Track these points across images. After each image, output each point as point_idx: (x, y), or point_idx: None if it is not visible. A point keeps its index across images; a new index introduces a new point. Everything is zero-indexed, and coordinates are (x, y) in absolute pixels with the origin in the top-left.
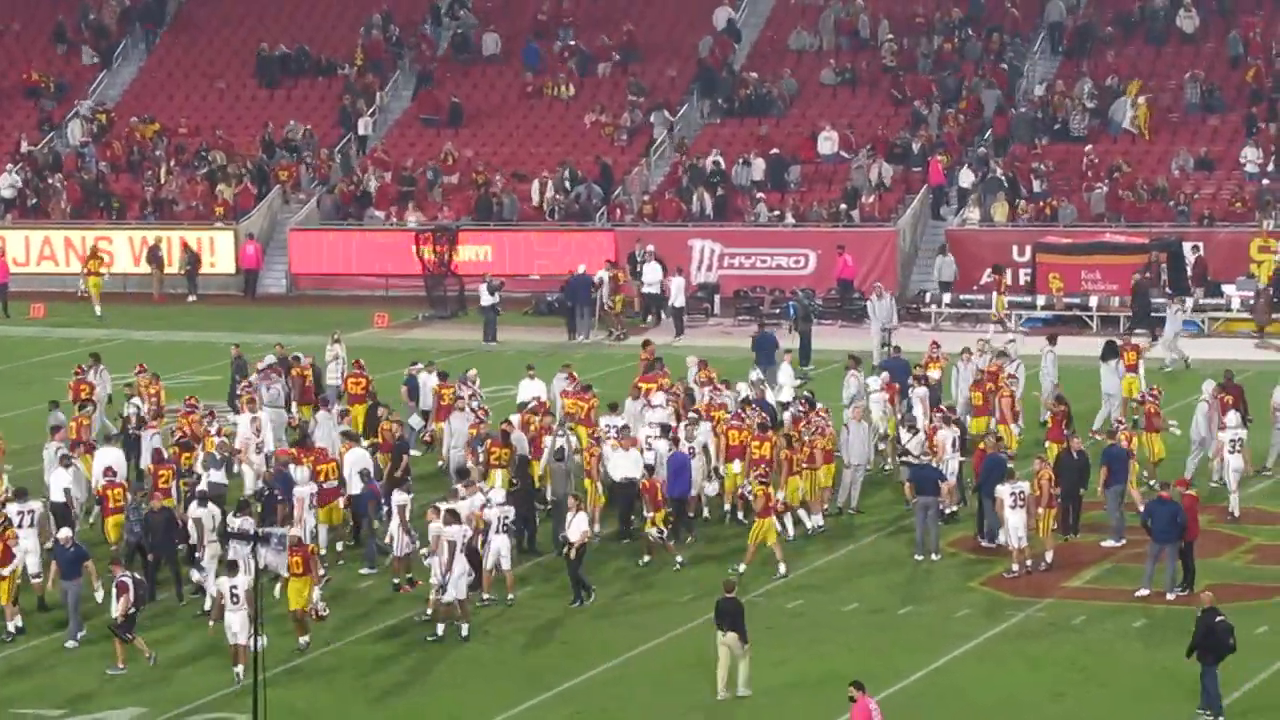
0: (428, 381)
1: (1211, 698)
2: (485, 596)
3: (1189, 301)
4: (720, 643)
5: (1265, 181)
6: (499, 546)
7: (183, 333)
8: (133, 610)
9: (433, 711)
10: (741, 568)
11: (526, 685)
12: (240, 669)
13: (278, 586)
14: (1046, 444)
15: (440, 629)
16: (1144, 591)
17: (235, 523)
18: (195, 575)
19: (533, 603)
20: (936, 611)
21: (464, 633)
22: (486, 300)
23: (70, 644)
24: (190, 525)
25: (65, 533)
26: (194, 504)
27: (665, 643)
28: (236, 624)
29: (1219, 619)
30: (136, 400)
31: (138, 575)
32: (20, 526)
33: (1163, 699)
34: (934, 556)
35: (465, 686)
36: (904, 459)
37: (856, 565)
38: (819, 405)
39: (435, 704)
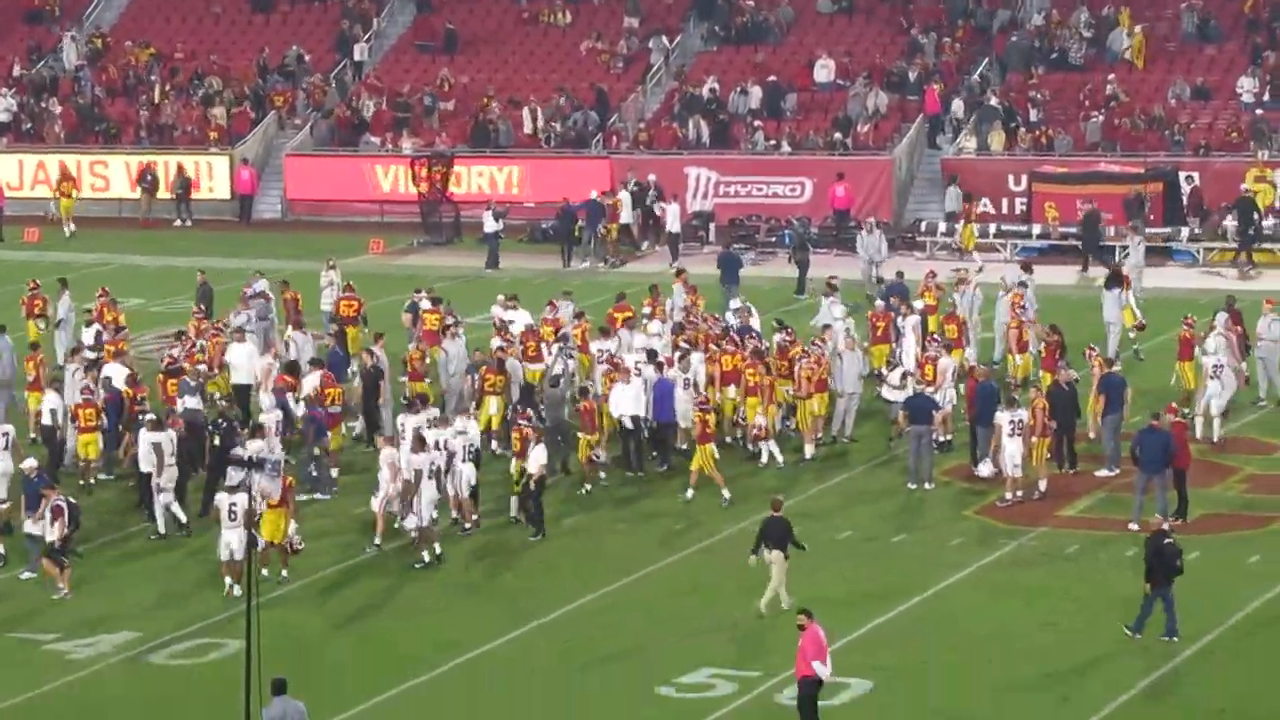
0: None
1: (1141, 621)
2: (466, 526)
3: (1184, 231)
4: (768, 560)
5: (1259, 111)
6: (467, 474)
7: (177, 258)
8: (68, 532)
9: (420, 638)
10: (690, 493)
11: (514, 615)
12: (230, 580)
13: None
14: (1040, 374)
15: (426, 555)
16: (1134, 526)
17: (254, 445)
18: (162, 498)
19: (521, 533)
20: (930, 540)
21: (427, 559)
22: (490, 227)
23: (26, 575)
24: (150, 449)
25: (30, 463)
26: (148, 430)
27: (656, 571)
28: (235, 541)
29: (1167, 541)
30: (97, 326)
31: (72, 499)
32: None
33: (1155, 628)
34: (927, 485)
35: (451, 613)
36: (881, 392)
37: (850, 494)
38: (818, 334)
39: (420, 630)
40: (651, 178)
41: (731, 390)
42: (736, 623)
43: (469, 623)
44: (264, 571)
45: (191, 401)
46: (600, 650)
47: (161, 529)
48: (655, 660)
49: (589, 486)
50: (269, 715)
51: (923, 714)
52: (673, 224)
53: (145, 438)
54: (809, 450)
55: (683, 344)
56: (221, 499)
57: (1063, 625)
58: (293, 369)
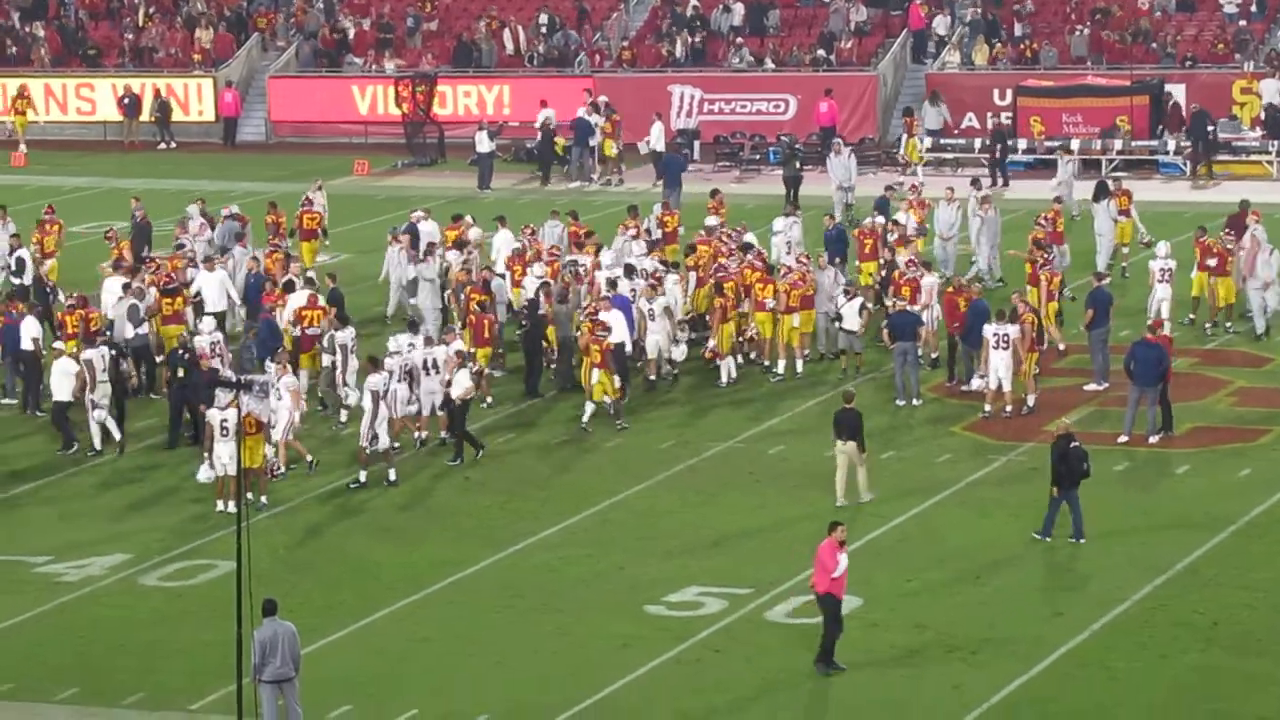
0: (428, 230)
1: (1049, 525)
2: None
3: (1170, 144)
4: (839, 451)
5: (1243, 23)
6: (402, 394)
7: (163, 180)
8: None
9: (408, 560)
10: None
11: (502, 536)
12: (221, 503)
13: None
14: (1026, 288)
15: (364, 475)
16: (1124, 438)
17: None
18: (96, 415)
19: (520, 451)
20: (918, 456)
21: (392, 478)
22: (484, 147)
23: None
24: (82, 367)
25: None
26: (87, 346)
27: (643, 490)
28: (226, 455)
29: (1073, 445)
30: (22, 252)
31: None
32: None
33: (1142, 542)
34: (915, 402)
35: (439, 535)
36: (841, 325)
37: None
38: (802, 252)
39: (409, 552)
40: (603, 99)
41: (745, 306)
42: (722, 540)
43: (457, 544)
44: (249, 495)
45: (142, 330)
46: (587, 570)
47: (98, 444)
48: (643, 579)
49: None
50: (260, 636)
51: (912, 631)
52: (656, 142)
53: (64, 365)
54: (782, 367)
55: (651, 282)
56: (213, 415)
57: (1053, 541)
58: (289, 287)
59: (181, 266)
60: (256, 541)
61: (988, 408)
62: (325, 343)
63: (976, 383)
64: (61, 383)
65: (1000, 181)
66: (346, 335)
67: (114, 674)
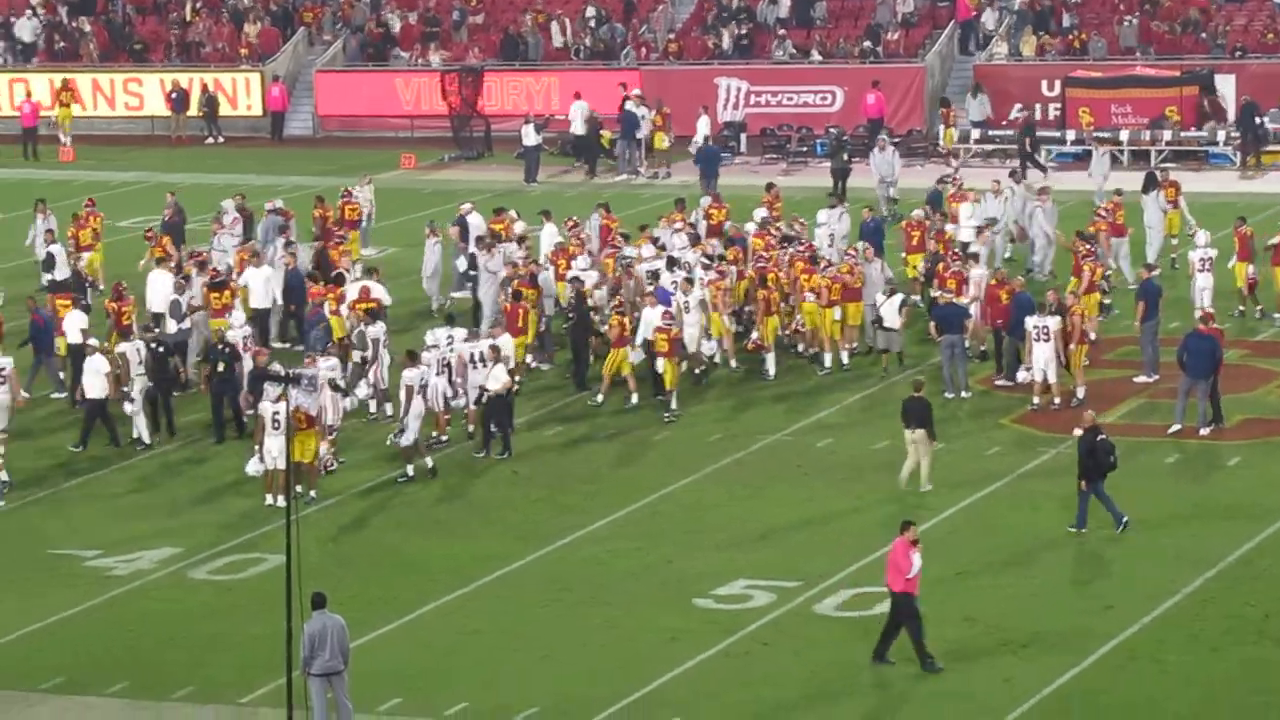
0: (476, 222)
1: (1082, 518)
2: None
3: (1220, 135)
4: (909, 440)
5: None
6: (441, 387)
7: (210, 175)
8: None
9: (456, 553)
10: (600, 399)
11: (549, 530)
12: (270, 497)
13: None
14: (1071, 279)
15: (410, 469)
16: (1176, 427)
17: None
18: (128, 408)
19: (567, 445)
20: (967, 449)
21: (427, 465)
22: (531, 140)
23: None
24: (117, 359)
25: None
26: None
27: (697, 481)
28: (276, 449)
29: (1100, 438)
30: (54, 248)
31: None
32: None
33: (1193, 534)
34: (963, 394)
35: (487, 528)
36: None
37: (886, 403)
38: (857, 244)
39: (456, 545)
40: (636, 92)
41: (810, 298)
42: (770, 533)
43: (505, 537)
44: (298, 489)
45: (185, 324)
46: (635, 563)
47: (146, 439)
48: (691, 572)
49: (635, 398)
50: (309, 630)
51: (962, 623)
52: (700, 137)
53: (96, 363)
54: (828, 360)
55: (684, 273)
56: (265, 408)
57: (1100, 531)
58: (339, 280)
59: (246, 259)
60: (305, 535)
61: (1036, 400)
62: (355, 338)
63: (1022, 375)
64: (93, 380)
65: (1027, 173)
66: (378, 330)
67: (164, 667)
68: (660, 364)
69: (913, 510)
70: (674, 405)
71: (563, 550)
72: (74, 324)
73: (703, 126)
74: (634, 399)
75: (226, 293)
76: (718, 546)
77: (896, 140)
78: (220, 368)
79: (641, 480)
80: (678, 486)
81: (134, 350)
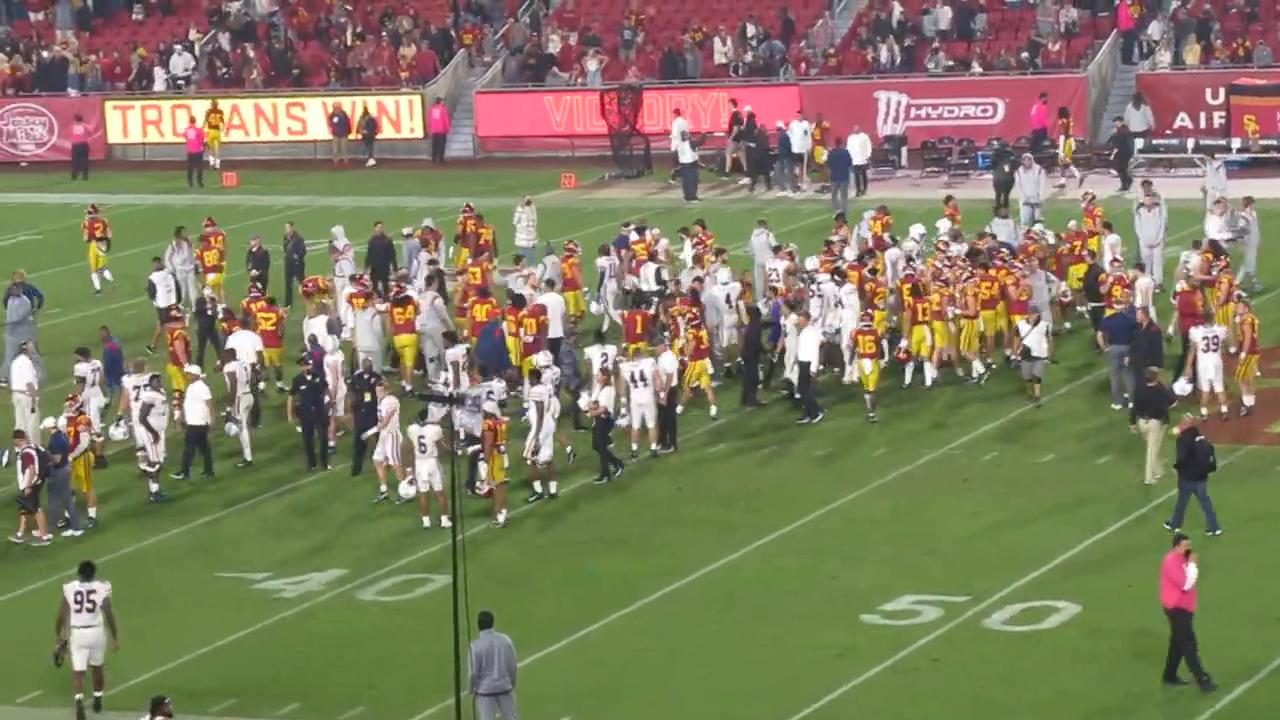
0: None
1: (1180, 514)
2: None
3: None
4: (1143, 430)
5: None
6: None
7: (372, 198)
8: (37, 482)
9: (624, 569)
10: (679, 409)
11: (716, 546)
12: (427, 519)
13: None
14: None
15: (538, 486)
16: None
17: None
18: (231, 429)
19: (732, 460)
20: (1137, 460)
21: (552, 490)
22: (688, 157)
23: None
24: (225, 378)
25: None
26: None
27: (862, 495)
28: (425, 471)
29: (1199, 439)
30: (155, 275)
31: (41, 448)
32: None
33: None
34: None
35: (654, 543)
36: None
37: (1052, 415)
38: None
39: (624, 561)
40: (747, 109)
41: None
42: (937, 547)
43: (669, 554)
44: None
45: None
46: (801, 579)
47: (248, 456)
48: (857, 587)
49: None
50: (476, 649)
51: (1133, 636)
52: (859, 156)
53: (197, 390)
54: (976, 370)
55: (815, 299)
56: (412, 431)
57: (1266, 542)
58: (519, 302)
59: (490, 268)
60: (471, 555)
61: (1204, 410)
62: (438, 360)
63: (1181, 386)
64: (195, 407)
65: (1122, 184)
66: (457, 352)
67: (334, 689)
68: (867, 365)
69: (1083, 521)
70: (873, 411)
71: (727, 567)
72: (247, 343)
73: (860, 146)
74: (714, 410)
75: (410, 308)
76: (884, 561)
77: (1051, 151)
78: (366, 397)
79: (805, 495)
80: (843, 501)
81: (241, 370)
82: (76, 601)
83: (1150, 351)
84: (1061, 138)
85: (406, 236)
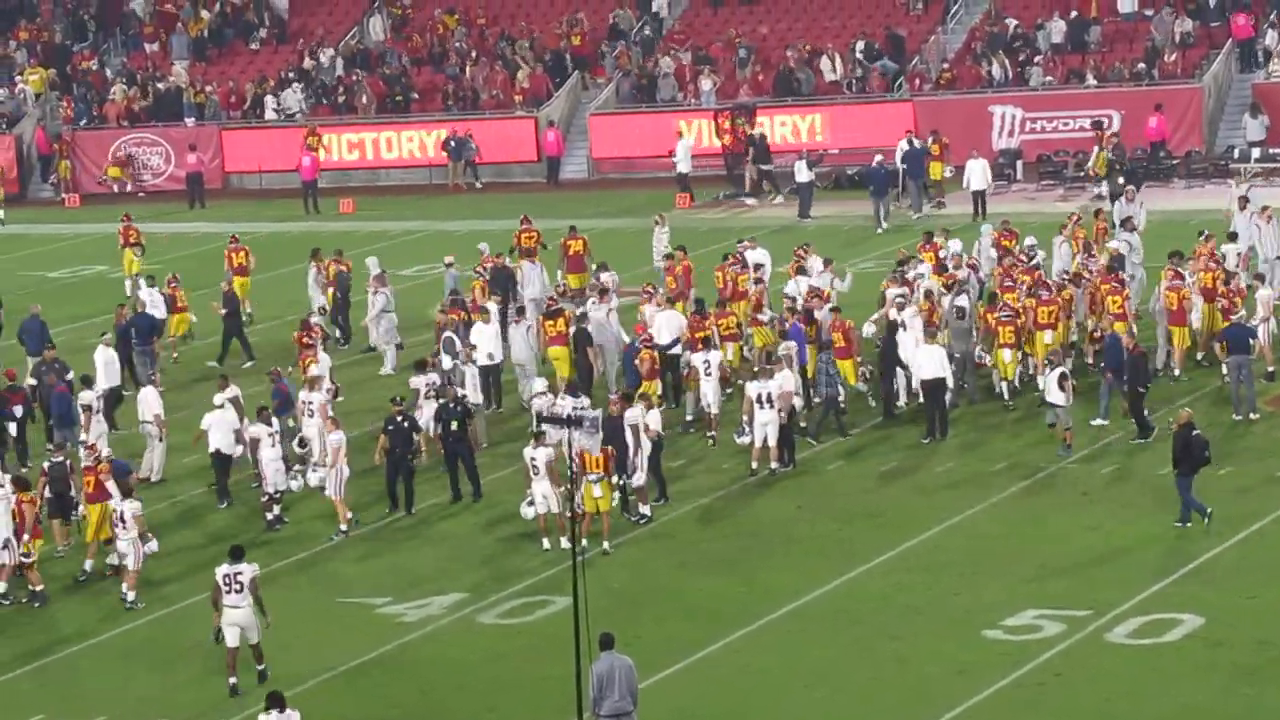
0: (754, 259)
1: (1188, 508)
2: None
3: None
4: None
5: None
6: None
7: (486, 221)
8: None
9: (742, 590)
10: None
11: (834, 564)
12: (546, 541)
13: None
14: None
15: (644, 509)
16: None
17: (567, 403)
18: (298, 448)
19: (851, 477)
20: (1257, 471)
21: (645, 512)
22: (804, 176)
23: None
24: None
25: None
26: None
27: (982, 510)
28: (539, 493)
29: (1195, 433)
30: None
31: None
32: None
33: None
34: (1251, 415)
35: (771, 563)
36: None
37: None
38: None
39: (742, 582)
40: (759, 131)
41: (1048, 336)
42: (1058, 562)
43: (789, 572)
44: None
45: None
46: (922, 596)
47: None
48: (978, 603)
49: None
50: (597, 670)
51: (1254, 648)
52: (978, 183)
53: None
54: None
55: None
56: (526, 453)
57: None
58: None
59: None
60: (591, 577)
61: None
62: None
63: None
64: (221, 433)
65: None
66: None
67: (456, 712)
68: (1006, 355)
69: (1203, 534)
70: (1010, 400)
71: (848, 584)
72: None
73: (979, 172)
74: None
75: (561, 320)
76: (1004, 576)
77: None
78: (454, 425)
79: (925, 511)
80: (962, 517)
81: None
82: (225, 583)
83: None
84: (1095, 149)
85: (448, 266)
